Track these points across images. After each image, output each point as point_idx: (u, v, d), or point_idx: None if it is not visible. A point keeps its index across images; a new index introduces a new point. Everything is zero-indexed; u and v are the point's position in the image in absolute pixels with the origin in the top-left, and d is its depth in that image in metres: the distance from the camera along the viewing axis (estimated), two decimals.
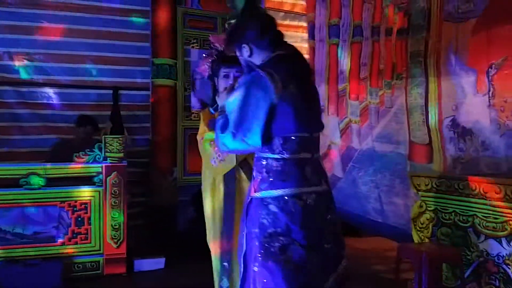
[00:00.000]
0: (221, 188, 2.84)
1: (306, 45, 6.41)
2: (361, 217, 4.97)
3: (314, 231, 2.10)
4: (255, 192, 2.19)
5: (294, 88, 2.12)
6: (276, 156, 2.15)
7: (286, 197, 2.10)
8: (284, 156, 2.13)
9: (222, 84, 2.90)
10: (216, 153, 2.82)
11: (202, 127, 2.96)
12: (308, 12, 6.26)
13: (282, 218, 2.08)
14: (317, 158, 2.26)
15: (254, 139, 2.09)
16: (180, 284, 4.39)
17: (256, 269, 2.10)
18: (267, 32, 2.27)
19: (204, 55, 3.13)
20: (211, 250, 2.90)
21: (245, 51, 2.28)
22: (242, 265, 2.22)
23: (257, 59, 2.27)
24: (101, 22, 5.87)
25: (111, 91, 5.88)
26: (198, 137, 2.95)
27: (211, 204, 2.88)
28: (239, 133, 2.09)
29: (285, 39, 2.35)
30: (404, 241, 3.75)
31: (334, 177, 5.40)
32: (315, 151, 2.24)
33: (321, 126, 2.33)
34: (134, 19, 6.01)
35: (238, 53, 2.35)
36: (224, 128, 2.13)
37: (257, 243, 2.12)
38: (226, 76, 2.91)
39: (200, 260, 4.79)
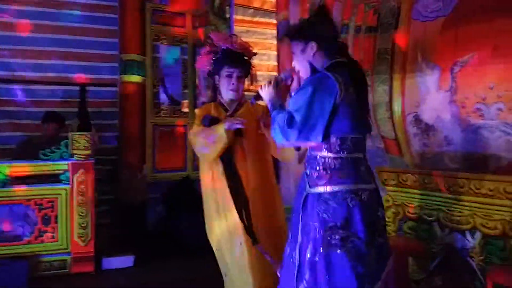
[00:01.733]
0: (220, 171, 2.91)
1: (276, 42, 6.42)
2: None
3: (369, 225, 2.22)
4: (310, 188, 2.30)
5: (353, 91, 2.23)
6: (334, 155, 2.26)
7: (344, 193, 2.22)
8: (342, 155, 2.26)
9: (224, 82, 2.99)
10: (204, 139, 2.87)
11: (196, 126, 2.99)
12: (279, 10, 6.25)
13: (341, 213, 2.20)
14: (367, 158, 2.39)
15: (316, 137, 2.21)
16: (149, 281, 4.36)
17: (317, 259, 2.22)
18: (336, 38, 2.40)
19: (204, 51, 3.10)
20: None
21: (310, 48, 2.32)
22: (298, 255, 2.32)
23: (317, 62, 2.34)
24: (68, 17, 5.79)
25: (78, 88, 5.78)
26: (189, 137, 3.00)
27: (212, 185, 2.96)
28: (304, 130, 2.19)
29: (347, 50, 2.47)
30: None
31: None
32: (365, 152, 2.37)
33: (369, 129, 2.45)
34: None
35: (295, 49, 2.38)
36: (290, 123, 2.20)
37: (317, 236, 2.23)
38: (229, 76, 2.97)
39: (170, 257, 4.86)
